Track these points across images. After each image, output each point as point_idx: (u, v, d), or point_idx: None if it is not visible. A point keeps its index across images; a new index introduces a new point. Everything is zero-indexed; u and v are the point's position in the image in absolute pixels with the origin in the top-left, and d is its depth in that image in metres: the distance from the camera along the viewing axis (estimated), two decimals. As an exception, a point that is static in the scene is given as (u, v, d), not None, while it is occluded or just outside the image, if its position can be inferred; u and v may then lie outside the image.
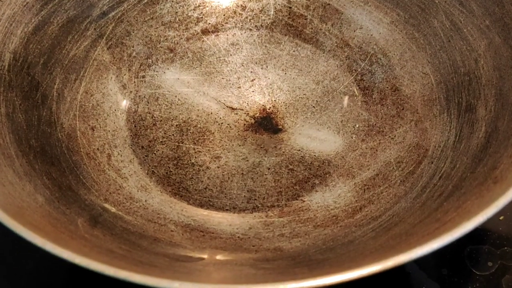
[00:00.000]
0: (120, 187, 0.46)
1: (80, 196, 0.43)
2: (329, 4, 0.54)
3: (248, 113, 0.51)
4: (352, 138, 0.50)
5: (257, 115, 0.51)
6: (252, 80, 0.53)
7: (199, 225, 0.45)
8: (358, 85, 0.52)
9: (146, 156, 0.49)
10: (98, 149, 0.48)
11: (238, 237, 0.44)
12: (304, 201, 0.47)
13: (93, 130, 0.49)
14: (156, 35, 0.54)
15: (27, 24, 0.48)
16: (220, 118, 0.51)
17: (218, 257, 0.41)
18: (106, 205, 0.44)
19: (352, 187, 0.47)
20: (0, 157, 0.40)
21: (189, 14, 0.54)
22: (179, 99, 0.52)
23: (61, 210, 0.39)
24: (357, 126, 0.50)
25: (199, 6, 0.55)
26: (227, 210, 0.46)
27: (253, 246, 0.43)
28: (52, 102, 0.48)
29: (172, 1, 0.54)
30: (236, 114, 0.51)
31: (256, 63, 0.53)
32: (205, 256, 0.41)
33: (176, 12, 0.54)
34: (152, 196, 0.46)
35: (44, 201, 0.39)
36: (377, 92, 0.51)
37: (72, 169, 0.45)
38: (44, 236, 0.32)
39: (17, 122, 0.44)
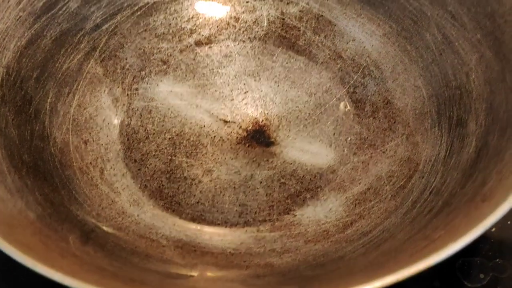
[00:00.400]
0: (112, 201, 0.46)
1: (72, 212, 0.43)
2: (322, 16, 0.54)
3: (240, 126, 0.51)
4: (344, 151, 0.50)
5: (250, 128, 0.51)
6: (245, 93, 0.53)
7: (191, 240, 0.45)
8: (351, 98, 0.52)
9: (138, 170, 0.49)
10: (91, 163, 0.48)
11: (230, 252, 0.44)
12: (295, 215, 0.47)
13: (86, 144, 0.49)
14: (150, 47, 0.54)
15: (20, 38, 0.48)
16: (213, 131, 0.51)
17: (209, 273, 0.41)
18: (98, 221, 0.44)
19: (343, 202, 0.47)
20: (-8, 173, 0.40)
21: (183, 26, 0.55)
22: (172, 112, 0.52)
23: (52, 227, 0.39)
24: (349, 139, 0.50)
25: (192, 17, 0.55)
26: (218, 224, 0.46)
27: (244, 261, 0.43)
28: (45, 116, 0.48)
29: (166, 13, 0.54)
30: (229, 127, 0.51)
31: (249, 75, 0.53)
32: (196, 273, 0.41)
33: (170, 24, 0.54)
34: (144, 211, 0.46)
35: (35, 218, 0.39)
36: (369, 104, 0.51)
37: (65, 184, 0.45)
38: (34, 256, 0.32)
39: (9, 137, 0.44)
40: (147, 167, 0.49)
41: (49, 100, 0.48)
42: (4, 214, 0.37)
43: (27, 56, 0.48)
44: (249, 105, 0.52)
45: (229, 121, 0.51)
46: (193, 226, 0.46)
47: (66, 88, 0.50)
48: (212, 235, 0.45)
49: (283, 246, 0.44)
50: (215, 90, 0.53)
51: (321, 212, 0.47)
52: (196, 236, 0.45)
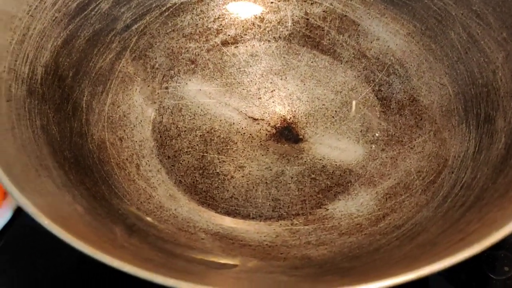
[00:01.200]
0: (150, 196, 0.47)
1: (114, 206, 0.44)
2: (345, 15, 0.55)
3: (269, 123, 0.52)
4: (372, 147, 0.51)
5: (278, 125, 0.52)
6: (272, 91, 0.54)
7: (228, 233, 0.46)
8: (376, 96, 0.53)
9: (172, 165, 0.50)
10: (127, 159, 0.49)
11: (266, 244, 0.45)
12: (327, 209, 0.48)
13: (121, 141, 0.50)
14: (178, 47, 0.55)
15: (56, 38, 0.49)
16: (242, 128, 0.52)
17: (250, 264, 0.42)
18: (139, 214, 0.45)
19: (374, 196, 0.48)
20: (39, 168, 0.40)
21: (209, 26, 0.56)
22: (201, 110, 0.53)
23: (99, 220, 0.40)
24: (376, 135, 0.51)
25: (218, 18, 0.56)
26: (253, 218, 0.47)
27: (281, 253, 0.44)
28: (82, 113, 0.49)
29: (192, 13, 0.55)
30: (258, 124, 0.52)
31: (275, 74, 0.55)
32: (238, 263, 0.42)
33: (197, 24, 0.55)
34: (181, 205, 0.48)
35: (83, 211, 0.40)
36: (395, 102, 0.52)
37: (105, 180, 0.46)
38: (91, 245, 0.33)
39: (51, 134, 0.45)
40: (181, 163, 0.50)
41: (84, 98, 0.50)
42: (57, 207, 0.37)
43: (63, 56, 0.49)
44: (276, 103, 0.53)
45: (257, 118, 0.53)
46: (229, 220, 0.47)
47: (100, 86, 0.51)
48: (248, 228, 0.47)
49: (318, 239, 0.45)
50: (243, 89, 0.54)
51: (353, 206, 0.48)
52: (232, 229, 0.46)
